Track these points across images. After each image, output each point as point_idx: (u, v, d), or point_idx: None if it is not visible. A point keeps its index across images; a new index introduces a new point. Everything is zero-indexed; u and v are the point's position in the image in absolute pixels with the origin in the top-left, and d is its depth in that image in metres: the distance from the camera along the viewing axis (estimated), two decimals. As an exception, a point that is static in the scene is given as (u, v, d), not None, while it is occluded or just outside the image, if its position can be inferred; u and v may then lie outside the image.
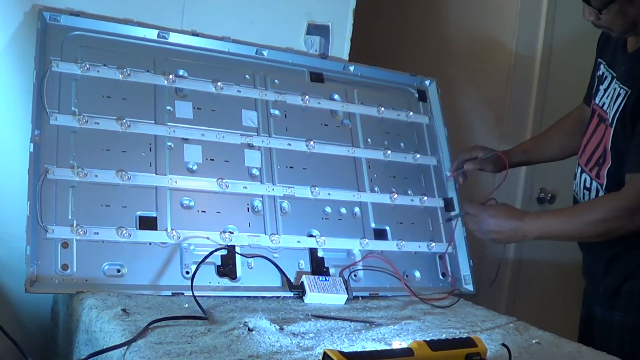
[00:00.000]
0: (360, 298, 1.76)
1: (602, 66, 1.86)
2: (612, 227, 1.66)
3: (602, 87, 1.82)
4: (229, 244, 1.70)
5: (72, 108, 1.67)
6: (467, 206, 1.87)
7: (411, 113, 2.13)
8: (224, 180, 1.76)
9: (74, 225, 1.56)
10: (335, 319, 1.56)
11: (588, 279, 1.94)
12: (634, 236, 1.72)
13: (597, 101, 1.83)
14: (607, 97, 1.78)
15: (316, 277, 1.72)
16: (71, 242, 1.55)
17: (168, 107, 1.78)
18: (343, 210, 1.90)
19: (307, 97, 1.97)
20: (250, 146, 1.85)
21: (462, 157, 2.07)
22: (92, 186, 1.62)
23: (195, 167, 1.75)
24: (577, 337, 1.89)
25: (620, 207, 1.65)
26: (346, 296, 1.71)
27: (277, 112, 1.93)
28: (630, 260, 1.78)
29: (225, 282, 1.66)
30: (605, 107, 1.78)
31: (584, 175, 1.84)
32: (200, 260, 1.63)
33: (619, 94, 1.73)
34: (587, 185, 1.82)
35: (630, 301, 1.77)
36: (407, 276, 1.90)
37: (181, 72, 1.84)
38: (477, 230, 1.83)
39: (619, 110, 1.72)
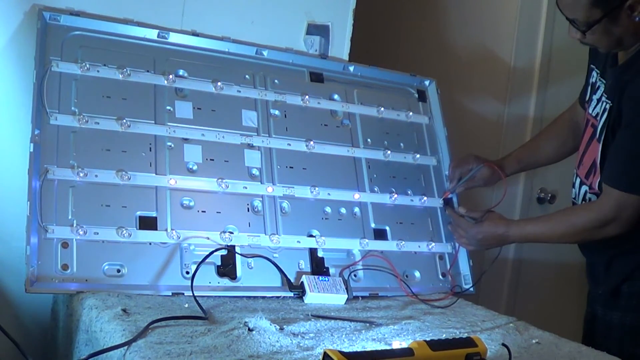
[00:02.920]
0: (360, 298, 1.76)
1: (594, 73, 1.86)
2: (587, 236, 1.77)
3: (594, 97, 1.82)
4: (229, 244, 1.70)
5: (72, 108, 1.67)
6: (455, 223, 1.97)
7: (411, 113, 2.13)
8: (224, 180, 1.76)
9: (74, 225, 1.56)
10: (335, 319, 1.56)
11: (590, 280, 1.94)
12: (633, 238, 1.73)
13: (590, 111, 1.84)
14: (599, 108, 1.79)
15: (316, 277, 1.72)
16: (71, 242, 1.54)
17: (168, 107, 1.78)
18: (343, 210, 1.89)
19: (307, 97, 1.97)
20: (250, 146, 1.85)
21: (458, 171, 2.05)
22: (92, 186, 1.62)
23: (195, 167, 1.75)
24: (577, 336, 1.89)
25: (593, 218, 1.73)
26: (346, 296, 1.71)
27: (277, 112, 1.93)
28: (629, 262, 1.79)
29: (225, 282, 1.66)
30: (598, 118, 1.78)
31: (583, 187, 1.84)
32: (200, 260, 1.63)
33: (605, 108, 1.74)
34: (588, 196, 1.83)
35: (629, 302, 1.78)
36: (407, 276, 1.90)
37: (181, 72, 1.84)
38: (470, 245, 1.94)
39: (605, 124, 1.73)
